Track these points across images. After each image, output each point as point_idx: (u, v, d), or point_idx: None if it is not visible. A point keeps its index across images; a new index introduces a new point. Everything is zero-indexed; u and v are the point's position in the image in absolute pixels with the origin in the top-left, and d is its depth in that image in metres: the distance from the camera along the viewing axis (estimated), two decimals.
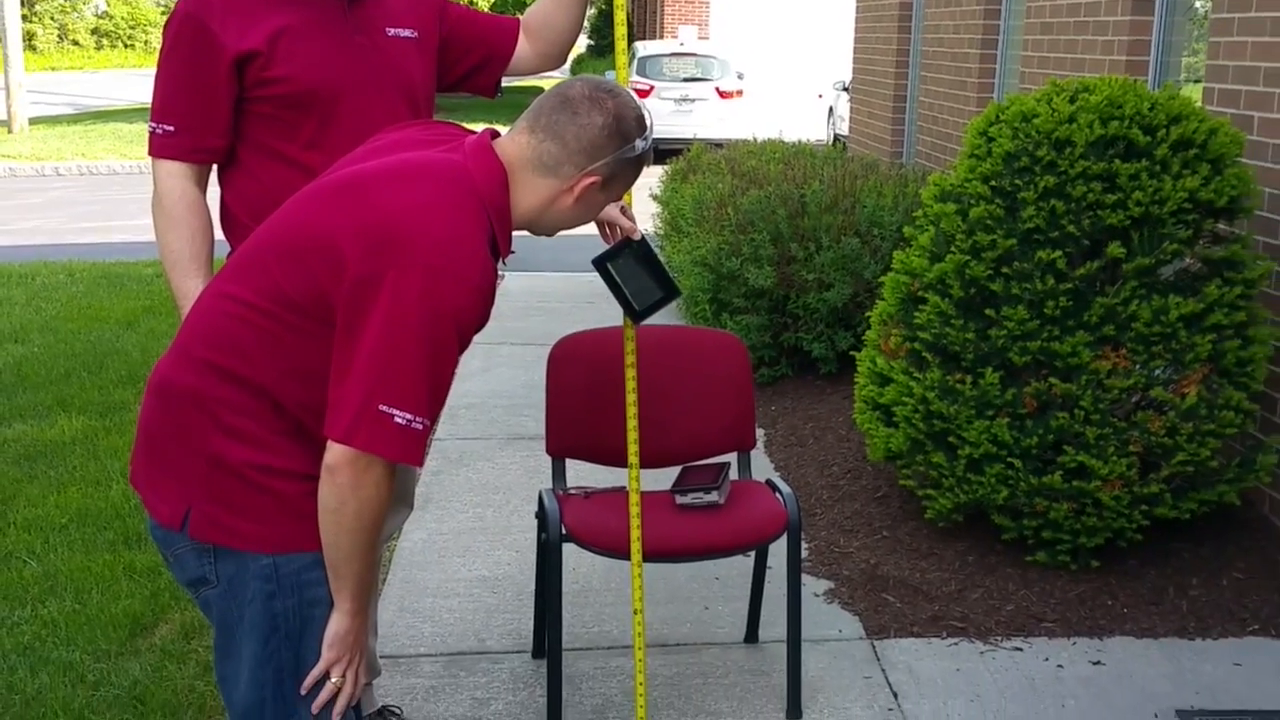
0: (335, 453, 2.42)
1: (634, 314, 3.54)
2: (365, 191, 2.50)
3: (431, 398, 2.44)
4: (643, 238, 3.48)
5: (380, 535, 2.56)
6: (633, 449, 3.79)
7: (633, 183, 2.79)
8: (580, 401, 4.25)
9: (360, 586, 2.56)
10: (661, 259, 3.55)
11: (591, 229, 3.38)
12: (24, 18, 44.57)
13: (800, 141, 11.07)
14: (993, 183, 5.15)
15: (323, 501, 2.46)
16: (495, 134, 2.71)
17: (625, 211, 3.51)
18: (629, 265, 3.48)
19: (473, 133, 2.74)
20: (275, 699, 2.58)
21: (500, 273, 2.64)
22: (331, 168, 2.71)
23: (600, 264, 3.48)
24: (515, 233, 2.71)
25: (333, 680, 2.60)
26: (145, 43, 59.10)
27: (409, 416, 2.40)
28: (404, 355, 2.39)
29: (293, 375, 2.51)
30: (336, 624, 2.58)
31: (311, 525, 2.51)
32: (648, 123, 2.72)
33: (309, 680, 2.58)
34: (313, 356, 2.49)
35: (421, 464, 2.50)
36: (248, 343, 2.51)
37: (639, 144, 2.68)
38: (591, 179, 2.65)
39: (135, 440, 2.64)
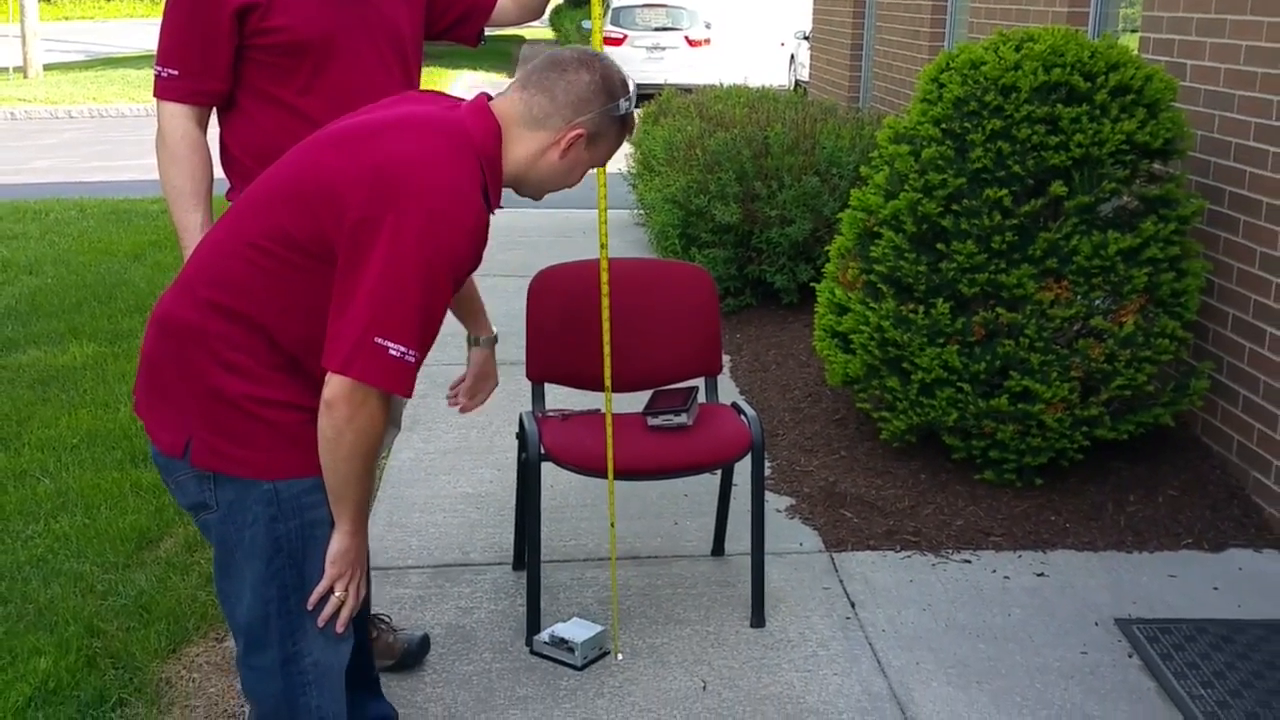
0: (333, 386, 2.41)
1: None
2: (369, 140, 2.49)
3: (424, 332, 2.43)
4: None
5: (375, 460, 2.54)
6: (607, 374, 3.74)
7: (616, 147, 2.76)
8: (557, 330, 4.20)
9: (359, 509, 2.57)
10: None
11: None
12: None
13: (764, 87, 11.02)
14: (943, 125, 5.09)
15: (322, 433, 2.45)
16: (489, 98, 2.69)
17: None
18: None
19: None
20: (280, 614, 2.58)
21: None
22: (337, 120, 2.68)
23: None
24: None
25: (336, 595, 2.61)
26: None
27: (403, 349, 2.40)
28: (401, 292, 2.38)
29: (292, 311, 2.49)
30: (338, 543, 2.58)
31: (308, 452, 2.50)
32: (631, 88, 2.71)
33: (314, 596, 2.59)
34: (313, 293, 2.47)
35: (411, 395, 2.50)
36: (251, 281, 2.49)
37: (623, 103, 2.68)
38: (578, 131, 2.62)
39: (138, 371, 2.62)
